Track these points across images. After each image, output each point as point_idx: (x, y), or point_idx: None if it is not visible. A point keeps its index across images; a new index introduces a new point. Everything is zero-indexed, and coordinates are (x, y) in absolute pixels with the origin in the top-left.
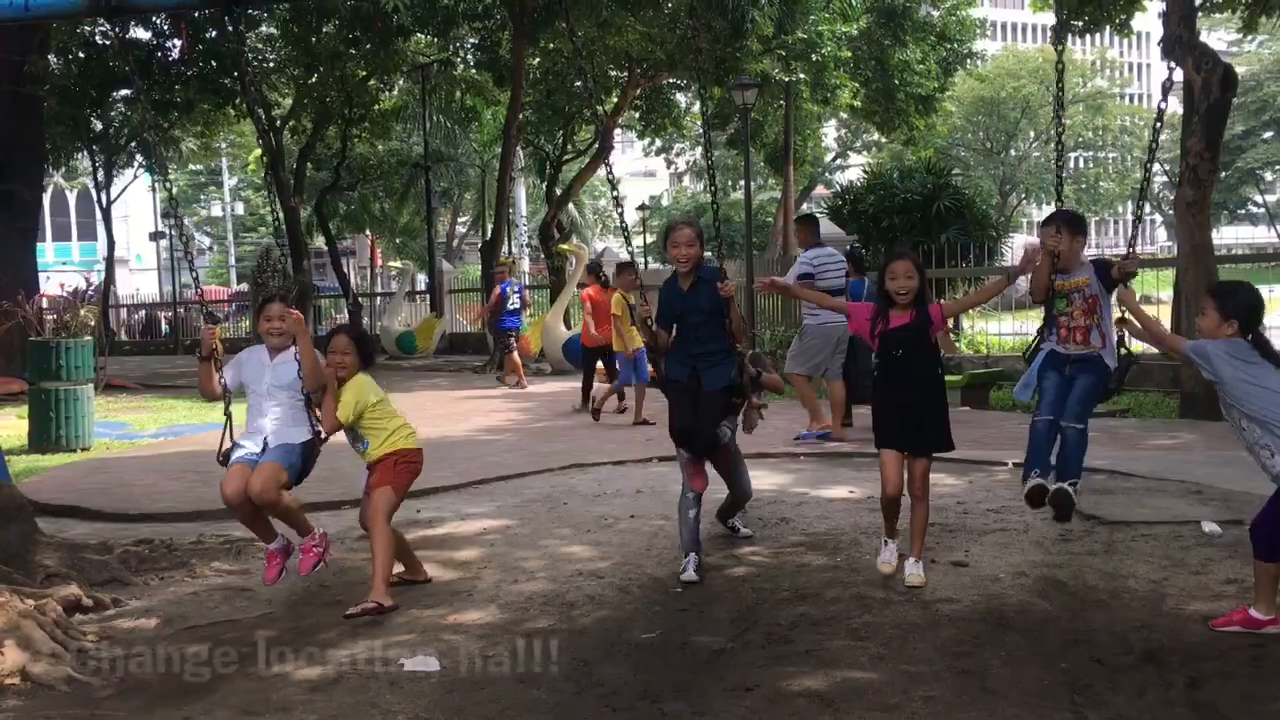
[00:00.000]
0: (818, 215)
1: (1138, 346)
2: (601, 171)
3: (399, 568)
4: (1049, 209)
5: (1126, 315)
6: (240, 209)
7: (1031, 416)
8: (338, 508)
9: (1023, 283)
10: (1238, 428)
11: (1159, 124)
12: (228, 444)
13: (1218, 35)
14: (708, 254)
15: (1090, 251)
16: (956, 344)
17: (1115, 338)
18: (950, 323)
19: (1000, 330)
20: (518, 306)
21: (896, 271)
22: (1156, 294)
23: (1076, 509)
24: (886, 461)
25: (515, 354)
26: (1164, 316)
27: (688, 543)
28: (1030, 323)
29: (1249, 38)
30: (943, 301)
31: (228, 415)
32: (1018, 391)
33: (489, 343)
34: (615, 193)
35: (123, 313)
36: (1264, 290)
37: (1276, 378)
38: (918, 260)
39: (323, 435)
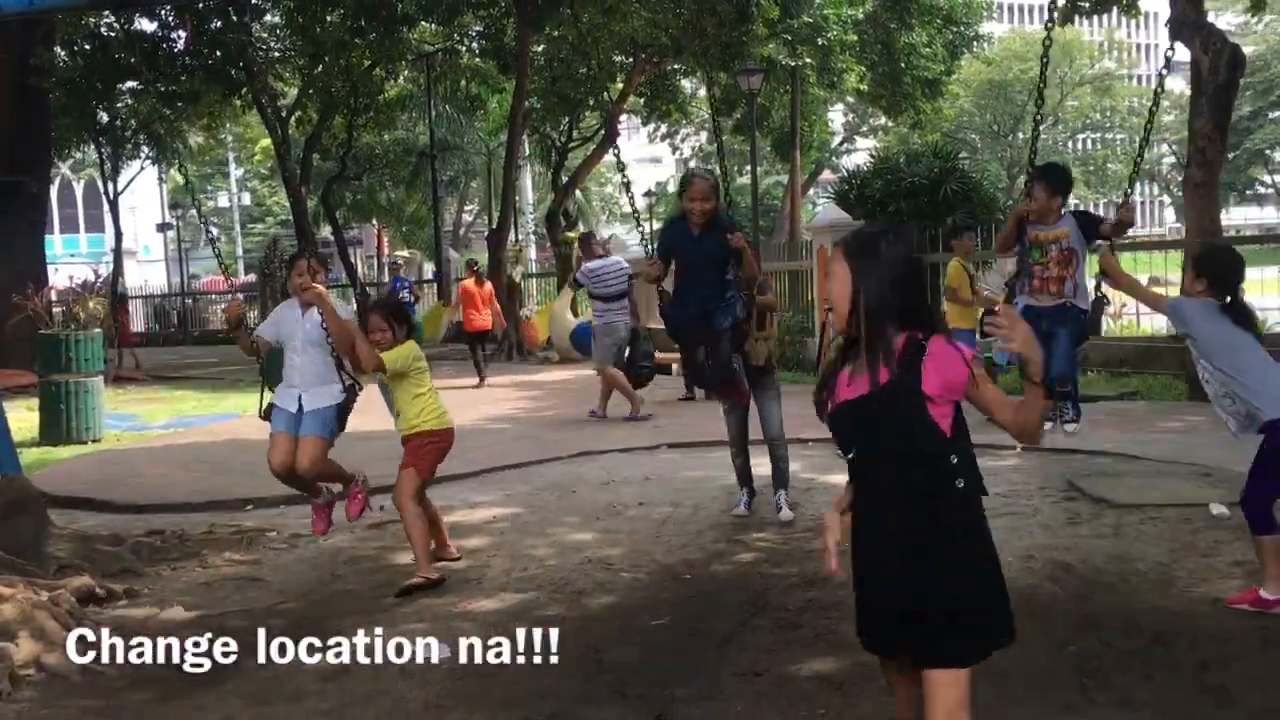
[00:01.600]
0: (593, 235)
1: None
2: (608, 158)
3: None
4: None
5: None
6: (247, 199)
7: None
8: None
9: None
10: (1204, 380)
11: (1157, 98)
12: (267, 400)
13: (1225, 20)
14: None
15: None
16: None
17: (1091, 285)
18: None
19: None
20: (408, 299)
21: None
22: (1165, 275)
23: (1085, 492)
24: (893, 678)
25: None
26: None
27: (740, 479)
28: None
29: (1255, 18)
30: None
31: (263, 374)
32: (997, 354)
33: (495, 331)
34: (624, 178)
35: (138, 305)
36: (1274, 271)
37: (1239, 335)
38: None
39: (358, 386)
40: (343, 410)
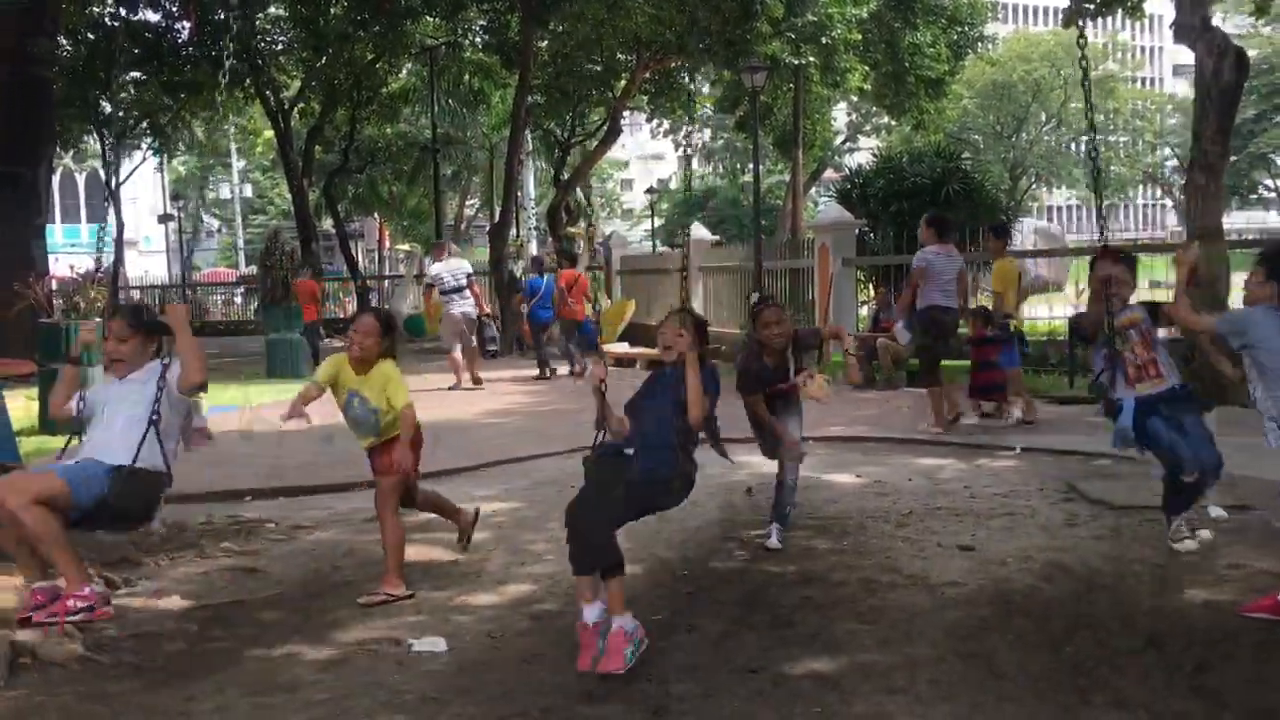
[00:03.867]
0: (443, 241)
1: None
2: (611, 154)
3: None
4: (1059, 193)
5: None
6: (249, 191)
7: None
8: (346, 490)
9: (1043, 271)
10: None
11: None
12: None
13: (1230, 23)
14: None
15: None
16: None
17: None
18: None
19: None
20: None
21: None
22: (1166, 279)
23: (1083, 494)
24: None
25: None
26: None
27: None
28: (1039, 306)
29: (1260, 21)
30: None
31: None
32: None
33: (495, 326)
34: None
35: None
36: None
37: None
38: None
39: (169, 478)
40: (123, 482)
